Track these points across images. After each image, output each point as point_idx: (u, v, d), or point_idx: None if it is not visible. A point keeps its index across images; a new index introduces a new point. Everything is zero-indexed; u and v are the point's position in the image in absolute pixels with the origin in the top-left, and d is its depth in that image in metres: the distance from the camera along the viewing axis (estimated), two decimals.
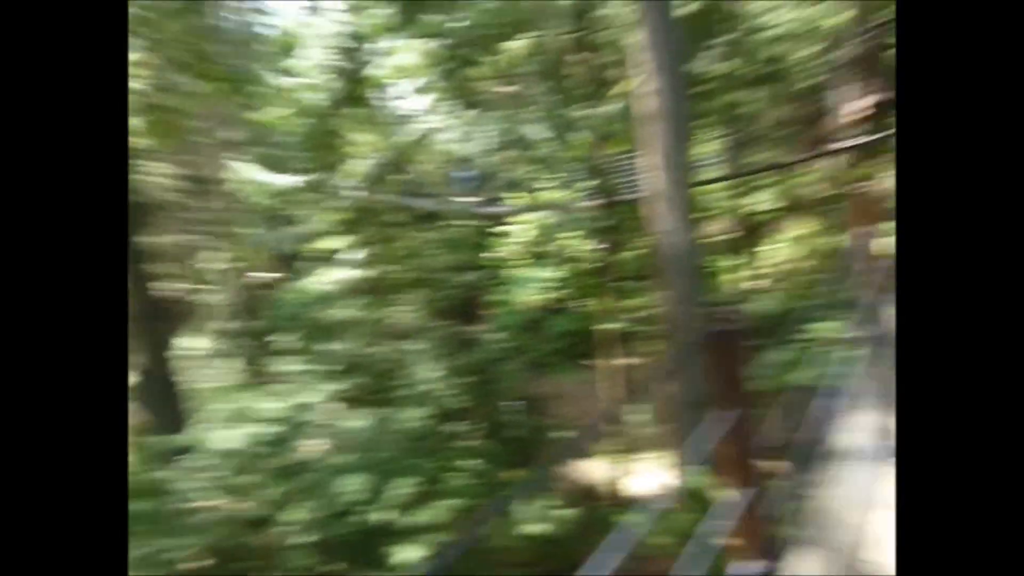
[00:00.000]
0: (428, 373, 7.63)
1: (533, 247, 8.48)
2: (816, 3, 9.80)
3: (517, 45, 8.12)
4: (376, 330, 8.36)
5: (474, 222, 9.55)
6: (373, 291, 8.79)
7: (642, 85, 5.82)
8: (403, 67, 8.81)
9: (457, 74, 8.68)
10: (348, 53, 8.58)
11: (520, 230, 8.48)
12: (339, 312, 8.02)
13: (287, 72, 9.10)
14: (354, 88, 8.72)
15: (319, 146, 8.87)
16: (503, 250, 8.69)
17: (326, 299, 8.11)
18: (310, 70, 8.75)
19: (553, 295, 8.63)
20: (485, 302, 9.35)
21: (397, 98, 9.95)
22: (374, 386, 7.45)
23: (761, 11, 10.80)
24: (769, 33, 10.43)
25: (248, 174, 9.60)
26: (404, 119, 10.30)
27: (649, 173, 5.92)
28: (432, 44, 8.44)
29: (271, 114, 9.10)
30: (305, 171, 8.94)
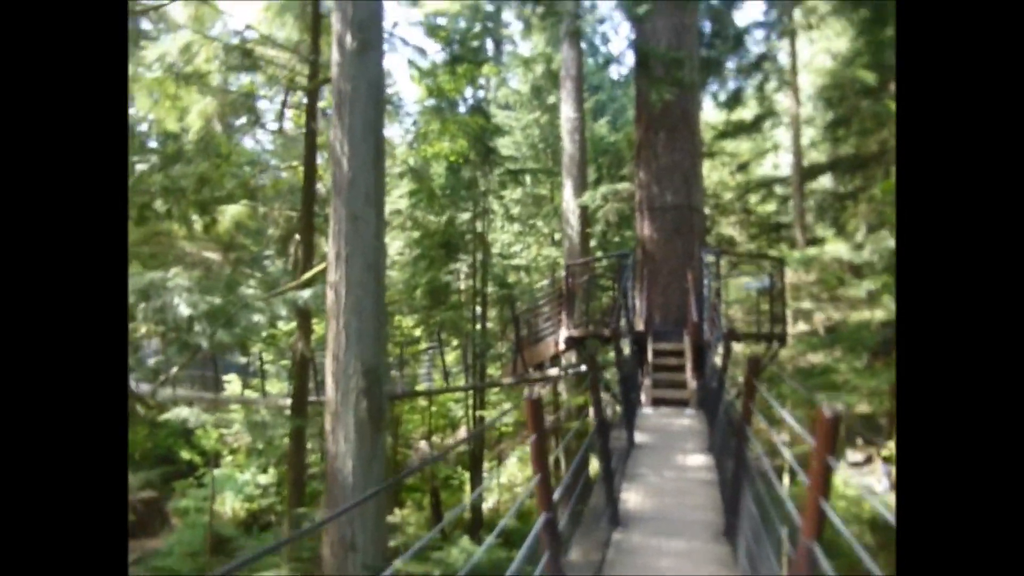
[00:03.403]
0: None
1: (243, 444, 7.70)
2: (556, 246, 11.11)
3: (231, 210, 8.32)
4: None
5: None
6: None
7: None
8: None
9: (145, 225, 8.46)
10: None
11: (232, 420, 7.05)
12: None
13: None
14: None
15: None
16: (209, 446, 7.31)
17: None
18: None
19: (256, 505, 6.94)
20: (167, 512, 7.67)
21: None
22: None
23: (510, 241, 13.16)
24: (513, 261, 12.24)
25: None
26: None
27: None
28: None
29: None
30: None
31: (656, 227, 9.89)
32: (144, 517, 11.28)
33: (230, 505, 15.52)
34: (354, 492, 6.13)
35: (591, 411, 3.85)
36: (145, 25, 10.45)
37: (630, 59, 14.67)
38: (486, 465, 16.86)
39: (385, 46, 10.76)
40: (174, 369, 7.33)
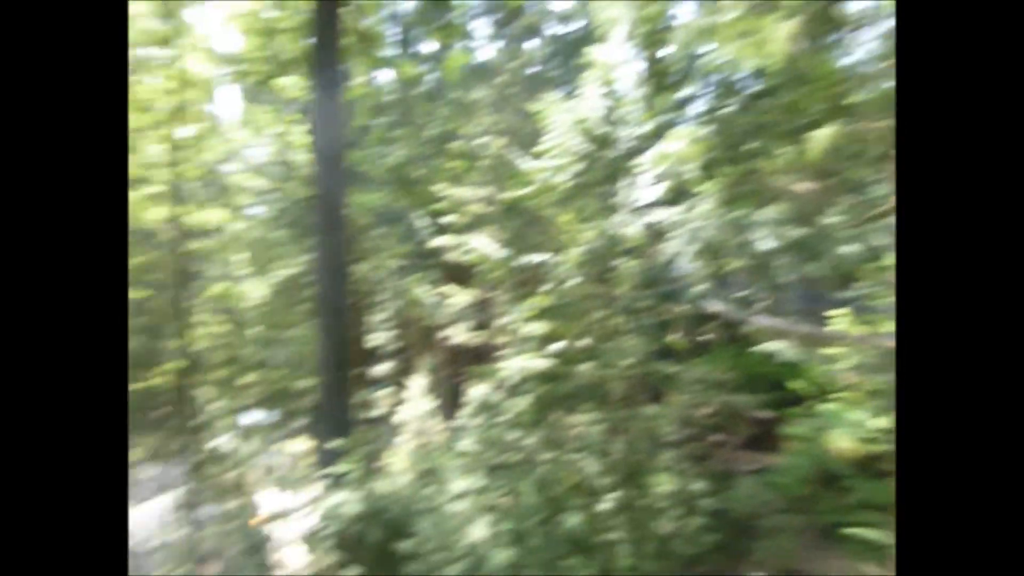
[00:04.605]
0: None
1: (854, 383, 6.62)
2: None
3: (822, 135, 6.43)
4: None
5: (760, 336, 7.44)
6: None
7: None
8: (670, 154, 6.77)
9: (738, 165, 7.24)
10: (603, 137, 6.61)
11: (839, 357, 6.39)
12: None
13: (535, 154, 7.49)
14: (604, 171, 6.59)
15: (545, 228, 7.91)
16: (816, 379, 7.15)
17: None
18: (558, 151, 6.85)
19: (873, 449, 6.35)
20: (779, 435, 7.68)
21: (652, 185, 7.16)
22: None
23: None
24: None
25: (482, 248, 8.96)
26: (654, 209, 7.12)
27: None
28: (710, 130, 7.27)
29: (511, 192, 8.11)
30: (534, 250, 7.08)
31: None
32: (760, 435, 12.20)
33: (841, 441, 14.88)
34: None
35: None
36: None
37: None
38: None
39: None
40: (761, 302, 7.50)
